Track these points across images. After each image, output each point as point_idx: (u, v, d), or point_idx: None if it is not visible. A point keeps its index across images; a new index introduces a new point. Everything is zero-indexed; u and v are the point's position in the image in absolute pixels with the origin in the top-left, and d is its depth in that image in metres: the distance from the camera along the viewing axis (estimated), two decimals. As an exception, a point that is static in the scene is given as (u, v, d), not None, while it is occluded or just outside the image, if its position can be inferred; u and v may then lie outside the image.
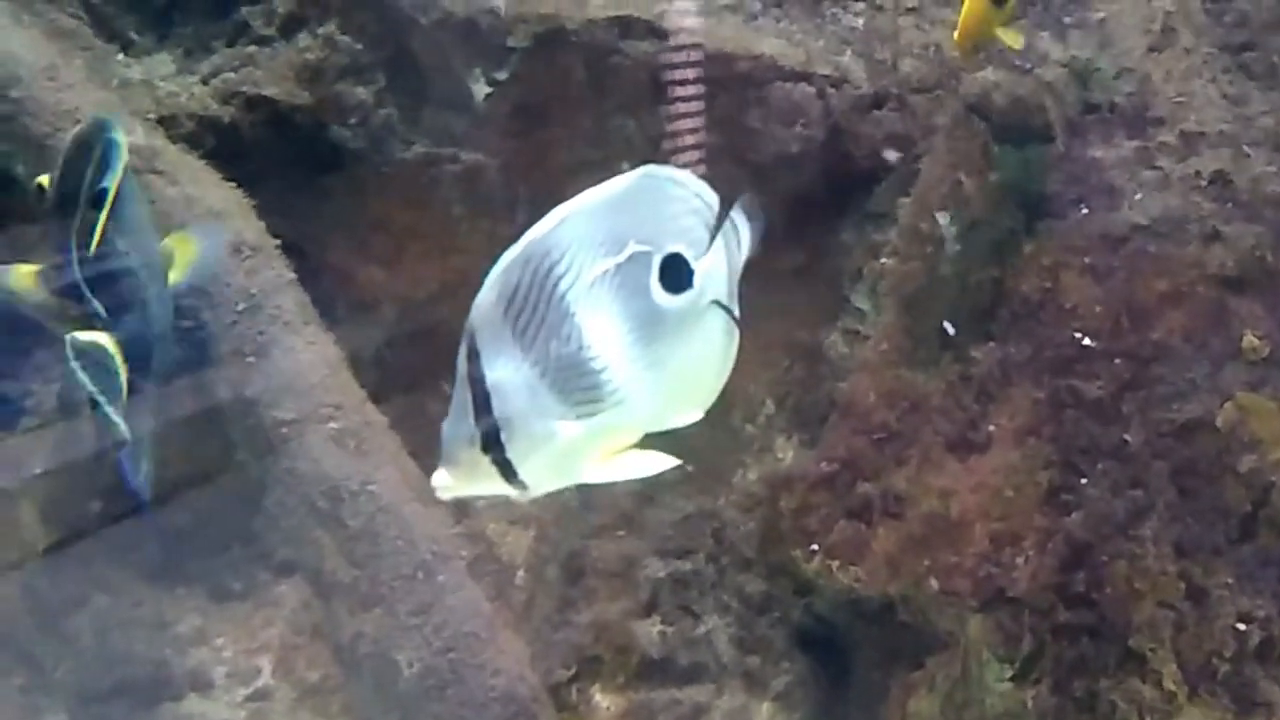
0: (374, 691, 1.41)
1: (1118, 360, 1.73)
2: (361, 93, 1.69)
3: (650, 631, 1.82)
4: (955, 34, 1.68)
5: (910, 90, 1.89)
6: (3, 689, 1.46)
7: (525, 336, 0.99)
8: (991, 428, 1.76)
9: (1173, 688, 1.59)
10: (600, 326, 1.00)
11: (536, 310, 0.99)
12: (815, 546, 1.72)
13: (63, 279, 1.31)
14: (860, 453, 1.75)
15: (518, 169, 1.78)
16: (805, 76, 1.83)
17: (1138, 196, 1.80)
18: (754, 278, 1.91)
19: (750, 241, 1.08)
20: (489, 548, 1.56)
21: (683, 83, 1.79)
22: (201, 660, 1.54)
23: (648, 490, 1.86)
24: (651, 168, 1.03)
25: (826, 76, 1.84)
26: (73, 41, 1.65)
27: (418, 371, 1.78)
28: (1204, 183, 1.78)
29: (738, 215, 1.07)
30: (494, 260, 0.97)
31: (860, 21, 1.91)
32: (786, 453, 1.91)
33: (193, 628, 1.56)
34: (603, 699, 1.78)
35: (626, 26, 1.75)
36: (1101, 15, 1.92)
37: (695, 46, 1.78)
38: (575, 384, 1.00)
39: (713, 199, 1.06)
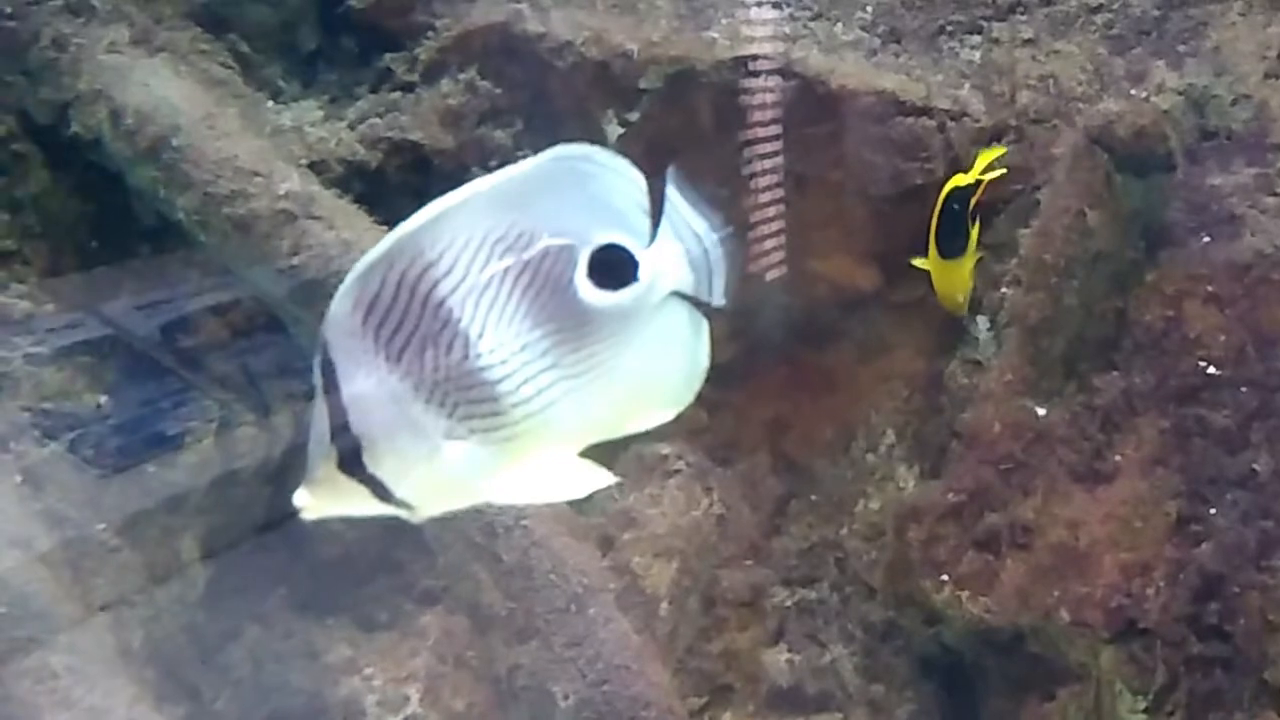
0: (531, 722, 1.44)
1: (1244, 389, 1.73)
2: (501, 136, 1.73)
3: (778, 660, 1.85)
4: (939, 297, 1.75)
5: (1028, 122, 1.89)
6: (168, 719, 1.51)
7: (391, 346, 0.88)
8: (1118, 458, 1.76)
9: (1308, 723, 1.59)
10: (499, 333, 0.89)
11: (406, 316, 0.88)
12: (945, 577, 1.72)
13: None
14: (986, 483, 1.76)
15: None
16: (926, 111, 1.84)
17: (1259, 223, 1.81)
18: (874, 309, 1.96)
19: (702, 216, 0.94)
20: (634, 580, 1.59)
21: (807, 119, 1.83)
22: (353, 689, 1.58)
23: (773, 521, 1.89)
24: (563, 148, 0.92)
25: (946, 110, 1.85)
26: (226, 90, 1.70)
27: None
28: (1326, 209, 1.78)
29: (675, 193, 0.94)
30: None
31: (977, 55, 1.92)
32: (908, 482, 1.92)
33: (343, 658, 1.61)
34: (734, 728, 1.80)
35: (754, 66, 1.78)
36: (1216, 42, 1.92)
37: (820, 83, 1.81)
38: (463, 397, 0.89)
39: (639, 179, 0.93)
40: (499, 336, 0.89)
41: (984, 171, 1.75)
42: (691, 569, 1.69)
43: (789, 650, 1.85)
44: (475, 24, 1.74)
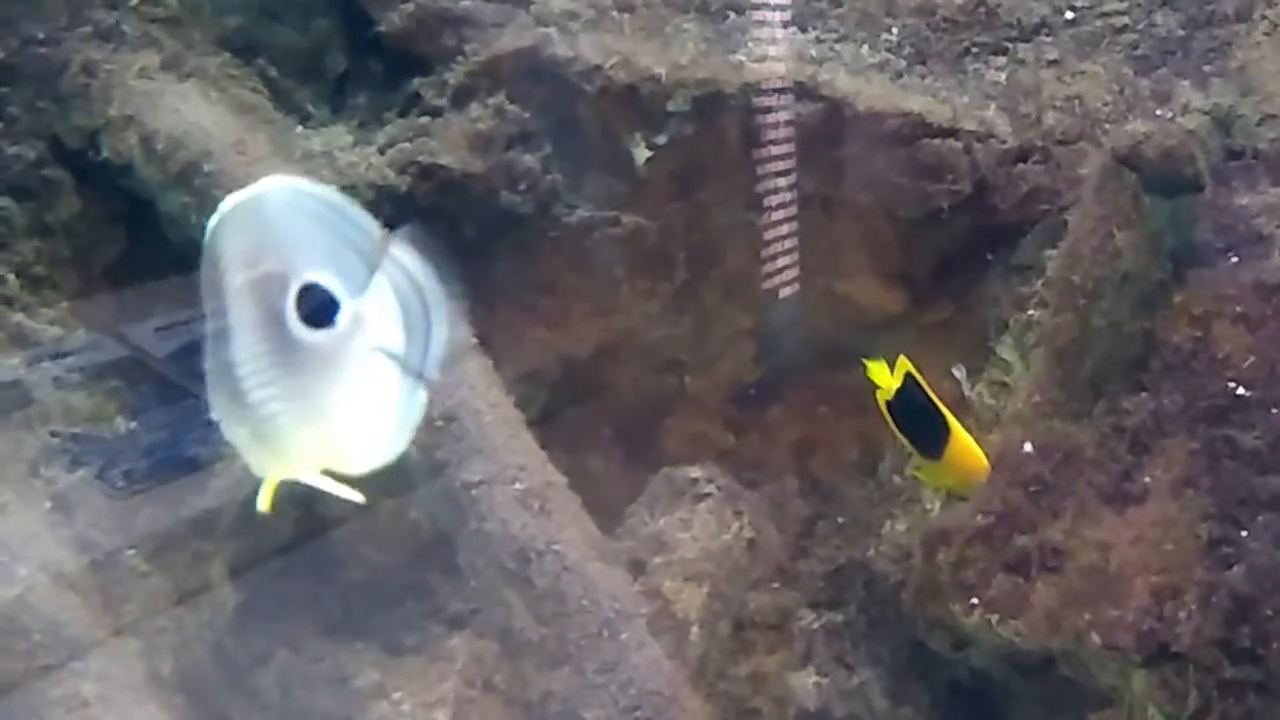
0: (564, 750, 1.44)
1: (1274, 409, 1.72)
2: (529, 160, 1.73)
3: (806, 683, 1.84)
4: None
5: (1054, 143, 1.90)
6: (198, 744, 1.51)
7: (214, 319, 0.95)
8: (1147, 479, 1.75)
9: (1344, 745, 1.57)
10: (241, 338, 0.94)
11: (211, 296, 0.94)
12: (974, 600, 1.72)
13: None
14: (1016, 505, 1.75)
15: (677, 230, 1.83)
16: (952, 132, 1.85)
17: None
18: (901, 330, 1.96)
19: (432, 283, 0.96)
20: (665, 605, 1.59)
21: (834, 141, 1.83)
22: (382, 714, 1.57)
23: (800, 543, 1.89)
24: (282, 180, 0.97)
25: (973, 132, 1.86)
26: (256, 115, 1.71)
27: (581, 428, 1.82)
28: (1353, 230, 1.77)
29: (402, 253, 0.96)
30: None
31: (1003, 76, 1.93)
32: (934, 504, 1.92)
33: (371, 682, 1.60)
34: (763, 752, 1.79)
35: (781, 89, 1.78)
36: (1241, 62, 1.92)
37: (847, 105, 1.82)
38: (230, 385, 0.94)
39: (370, 229, 0.96)
40: (241, 341, 0.94)
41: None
42: (722, 593, 1.69)
43: (816, 673, 1.84)
44: (504, 48, 1.75)
